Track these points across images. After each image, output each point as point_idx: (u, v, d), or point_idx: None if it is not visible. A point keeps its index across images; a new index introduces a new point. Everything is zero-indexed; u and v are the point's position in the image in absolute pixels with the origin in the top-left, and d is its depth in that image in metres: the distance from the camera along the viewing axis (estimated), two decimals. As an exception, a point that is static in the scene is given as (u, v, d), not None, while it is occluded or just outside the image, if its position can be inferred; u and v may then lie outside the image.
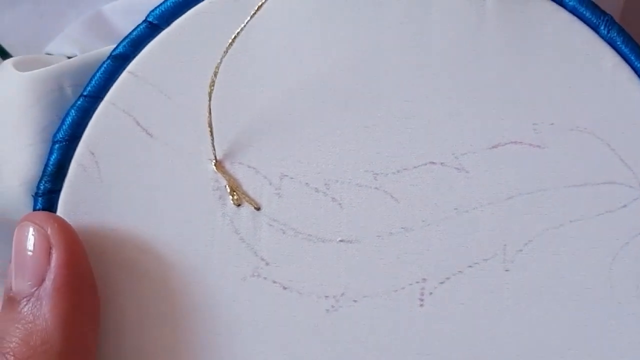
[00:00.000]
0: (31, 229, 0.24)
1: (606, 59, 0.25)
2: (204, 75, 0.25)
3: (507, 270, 0.25)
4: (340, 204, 0.26)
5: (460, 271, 0.25)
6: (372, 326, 0.25)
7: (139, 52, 0.26)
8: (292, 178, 0.26)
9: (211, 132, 0.26)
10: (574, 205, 0.25)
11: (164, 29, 0.26)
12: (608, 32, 0.25)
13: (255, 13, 0.25)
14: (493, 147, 0.26)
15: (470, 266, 0.25)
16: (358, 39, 0.26)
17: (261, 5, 0.25)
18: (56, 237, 0.24)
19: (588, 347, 0.25)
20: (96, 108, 0.26)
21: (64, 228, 0.25)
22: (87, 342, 0.24)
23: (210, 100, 0.25)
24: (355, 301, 0.25)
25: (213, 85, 0.25)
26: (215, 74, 0.25)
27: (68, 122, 0.26)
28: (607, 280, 0.25)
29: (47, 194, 0.26)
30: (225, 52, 0.25)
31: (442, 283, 0.25)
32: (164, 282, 0.26)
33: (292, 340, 0.25)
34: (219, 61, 0.25)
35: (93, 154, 0.26)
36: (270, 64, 0.26)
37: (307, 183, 0.26)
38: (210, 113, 0.25)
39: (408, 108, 0.26)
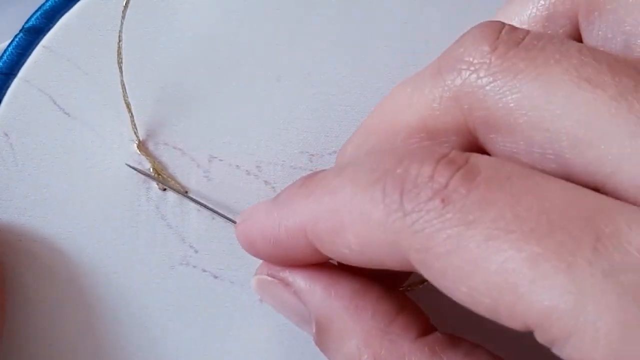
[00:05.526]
0: None
1: None
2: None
3: None
4: (273, 187, 0.24)
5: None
6: (308, 316, 0.24)
7: (53, 24, 0.24)
8: (221, 160, 0.24)
9: (129, 108, 0.24)
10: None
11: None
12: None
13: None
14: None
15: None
16: (287, 14, 0.24)
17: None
18: None
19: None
20: (9, 86, 0.24)
21: None
22: None
23: (121, 73, 0.23)
24: (290, 290, 0.24)
25: (121, 55, 0.23)
26: (120, 41, 0.23)
27: (-21, 102, 0.24)
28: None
29: (-43, 180, 0.24)
30: (123, 15, 0.23)
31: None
32: (88, 272, 0.24)
33: (224, 331, 0.24)
34: (120, 28, 0.23)
35: (7, 135, 0.24)
36: (195, 38, 0.24)
37: (237, 165, 0.24)
38: (124, 88, 0.23)
39: (344, 84, 0.24)
